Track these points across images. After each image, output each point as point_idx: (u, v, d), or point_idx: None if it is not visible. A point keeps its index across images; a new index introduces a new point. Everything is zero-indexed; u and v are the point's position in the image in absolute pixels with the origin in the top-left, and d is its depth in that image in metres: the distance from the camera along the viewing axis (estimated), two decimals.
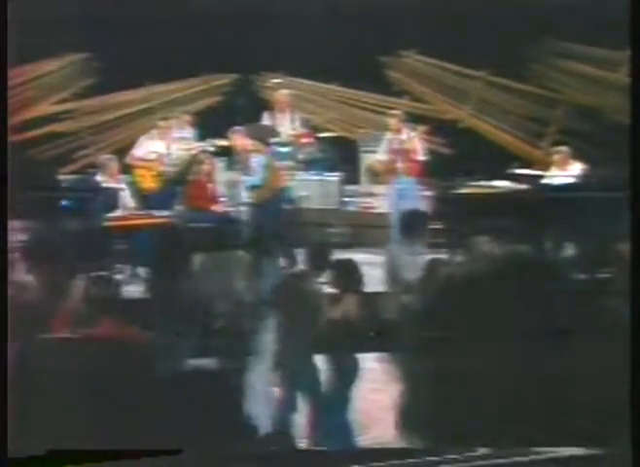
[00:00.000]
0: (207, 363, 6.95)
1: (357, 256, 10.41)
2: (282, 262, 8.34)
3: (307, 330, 7.45)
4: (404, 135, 12.10)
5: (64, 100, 14.09)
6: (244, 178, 11.94)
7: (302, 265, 8.17)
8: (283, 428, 7.37)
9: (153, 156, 12.41)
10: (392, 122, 12.26)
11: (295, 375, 7.50)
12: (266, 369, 7.55)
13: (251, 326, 7.50)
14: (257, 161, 11.85)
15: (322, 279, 7.78)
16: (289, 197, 12.50)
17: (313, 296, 7.64)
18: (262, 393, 7.46)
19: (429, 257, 8.51)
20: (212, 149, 12.75)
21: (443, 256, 8.58)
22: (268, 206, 11.63)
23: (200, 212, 12.02)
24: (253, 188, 11.75)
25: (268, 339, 7.53)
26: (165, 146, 12.54)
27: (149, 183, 12.28)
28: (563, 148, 12.40)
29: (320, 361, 7.53)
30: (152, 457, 3.52)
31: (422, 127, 12.38)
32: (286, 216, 11.87)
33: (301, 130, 13.20)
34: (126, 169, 12.31)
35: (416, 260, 8.40)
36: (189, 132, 13.10)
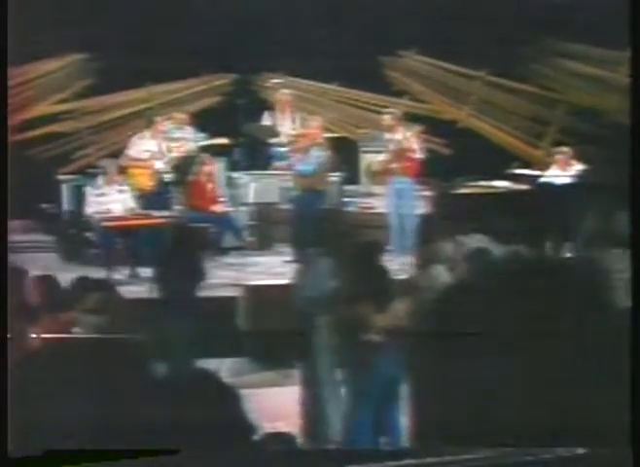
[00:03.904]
0: None
1: None
2: None
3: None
4: (400, 134, 12.12)
5: (64, 100, 14.07)
6: (297, 163, 12.07)
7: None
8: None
9: (146, 155, 12.47)
10: (385, 118, 12.29)
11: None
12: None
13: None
14: (317, 153, 11.99)
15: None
16: (289, 196, 12.53)
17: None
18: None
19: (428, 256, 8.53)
20: (212, 149, 12.80)
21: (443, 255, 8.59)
22: (309, 198, 11.77)
23: (200, 212, 12.04)
24: (303, 175, 11.91)
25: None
26: (158, 144, 12.58)
27: (145, 181, 12.33)
28: (563, 148, 12.41)
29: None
30: (151, 457, 3.52)
31: (419, 127, 12.39)
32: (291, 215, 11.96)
33: (301, 130, 13.21)
34: (122, 170, 12.33)
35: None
36: (189, 132, 13.11)
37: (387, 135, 12.34)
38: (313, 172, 11.90)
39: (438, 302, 6.12)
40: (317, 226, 10.47)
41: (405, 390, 7.25)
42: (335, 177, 12.89)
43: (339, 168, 13.16)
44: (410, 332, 6.82)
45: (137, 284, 10.10)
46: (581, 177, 11.78)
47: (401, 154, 12.02)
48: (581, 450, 4.82)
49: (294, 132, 13.04)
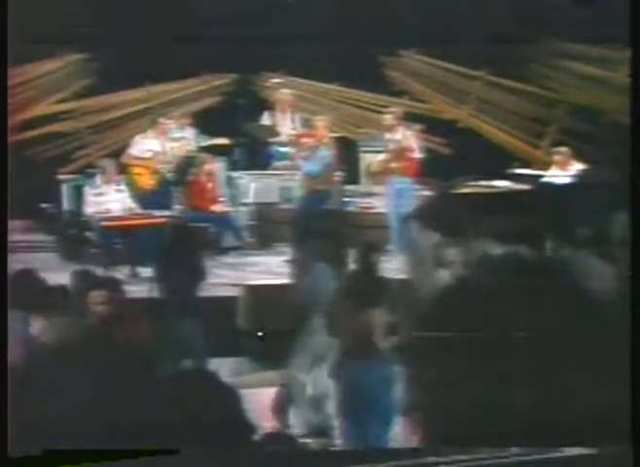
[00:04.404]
0: None
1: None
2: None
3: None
4: (400, 134, 12.13)
5: (64, 100, 14.08)
6: (304, 164, 12.17)
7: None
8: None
9: (148, 154, 12.53)
10: (387, 118, 12.30)
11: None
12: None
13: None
14: (323, 154, 12.08)
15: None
16: (289, 196, 12.55)
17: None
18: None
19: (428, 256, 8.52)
20: (212, 149, 12.82)
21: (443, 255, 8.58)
22: (315, 199, 11.89)
23: (200, 212, 12.05)
24: (310, 175, 11.99)
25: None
26: (161, 144, 12.62)
27: (146, 181, 12.39)
28: (563, 148, 12.42)
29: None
30: (151, 457, 3.51)
31: (418, 126, 12.40)
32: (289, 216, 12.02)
33: (301, 130, 13.23)
34: (124, 169, 12.37)
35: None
36: (189, 132, 13.12)
37: (388, 135, 12.35)
38: (320, 173, 11.99)
39: (437, 302, 6.12)
40: (322, 226, 10.55)
41: (404, 391, 7.25)
42: (337, 177, 12.91)
43: (340, 168, 13.17)
44: (411, 332, 6.82)
45: (137, 284, 10.10)
46: (581, 177, 11.78)
47: (401, 153, 12.03)
48: (581, 450, 4.82)
49: (299, 132, 13.08)
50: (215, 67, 14.24)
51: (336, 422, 7.77)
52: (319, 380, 8.07)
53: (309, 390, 8.05)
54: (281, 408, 7.99)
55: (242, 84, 14.32)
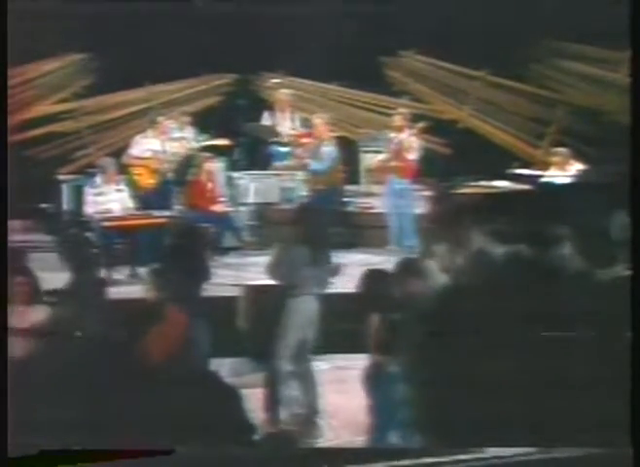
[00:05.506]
0: None
1: (356, 256, 10.49)
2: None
3: None
4: (405, 134, 12.13)
5: (64, 100, 14.10)
6: (310, 162, 12.33)
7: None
8: None
9: (148, 154, 12.54)
10: (396, 119, 12.31)
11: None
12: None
13: None
14: (328, 151, 12.17)
15: None
16: (289, 196, 12.55)
17: None
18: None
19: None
20: (212, 149, 12.83)
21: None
22: (322, 197, 12.01)
23: (200, 212, 12.05)
24: (316, 173, 12.06)
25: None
26: (161, 144, 12.64)
27: (146, 181, 12.41)
28: (563, 148, 12.42)
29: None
30: (149, 457, 3.51)
31: (419, 125, 12.40)
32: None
33: (301, 130, 13.24)
34: (124, 169, 12.38)
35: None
36: (189, 132, 13.13)
37: (393, 135, 12.33)
38: (327, 170, 12.11)
39: (437, 302, 6.12)
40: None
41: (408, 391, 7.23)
42: (342, 174, 12.94)
43: (342, 167, 13.19)
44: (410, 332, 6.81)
45: (137, 284, 10.08)
46: (581, 177, 11.78)
47: (401, 153, 12.03)
48: (581, 451, 4.82)
49: (299, 132, 13.10)
50: (215, 67, 14.27)
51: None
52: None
53: (310, 389, 8.05)
54: (278, 407, 7.98)
55: (242, 84, 14.34)
